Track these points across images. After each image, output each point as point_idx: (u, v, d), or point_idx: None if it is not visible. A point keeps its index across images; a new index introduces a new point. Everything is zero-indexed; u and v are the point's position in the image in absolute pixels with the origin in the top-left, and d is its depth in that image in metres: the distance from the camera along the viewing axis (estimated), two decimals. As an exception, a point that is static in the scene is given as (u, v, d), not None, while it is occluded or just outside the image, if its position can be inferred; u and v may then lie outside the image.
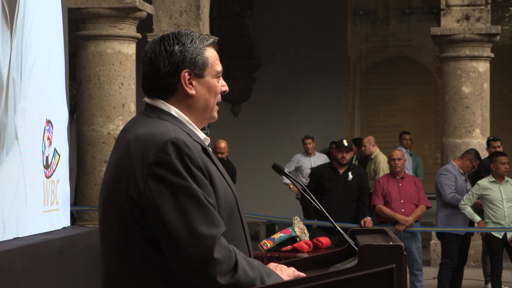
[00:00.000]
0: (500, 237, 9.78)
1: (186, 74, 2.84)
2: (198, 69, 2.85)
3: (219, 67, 2.90)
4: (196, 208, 2.63)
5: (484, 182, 9.85)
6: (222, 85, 2.92)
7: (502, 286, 10.09)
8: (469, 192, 9.85)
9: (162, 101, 2.86)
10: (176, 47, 2.84)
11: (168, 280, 2.68)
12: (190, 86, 2.85)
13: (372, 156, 12.78)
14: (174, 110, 2.85)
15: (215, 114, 2.94)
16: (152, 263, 2.69)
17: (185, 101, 2.86)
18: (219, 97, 2.93)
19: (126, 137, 2.79)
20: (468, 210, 9.73)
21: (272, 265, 2.87)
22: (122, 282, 2.74)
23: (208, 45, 2.89)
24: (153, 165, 2.66)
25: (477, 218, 9.76)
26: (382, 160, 12.56)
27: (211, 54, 2.89)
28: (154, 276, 2.69)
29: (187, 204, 2.63)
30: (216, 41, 2.96)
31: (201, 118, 2.90)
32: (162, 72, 2.84)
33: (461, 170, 10.23)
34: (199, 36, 2.89)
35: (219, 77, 2.91)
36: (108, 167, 2.83)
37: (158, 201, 2.64)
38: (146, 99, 2.91)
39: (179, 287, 2.68)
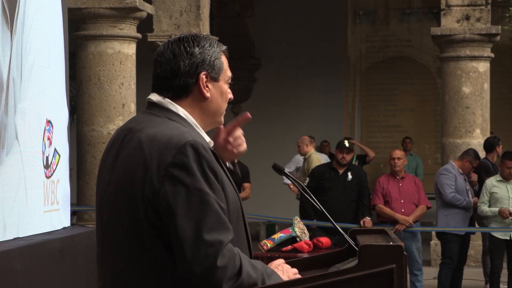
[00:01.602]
0: (502, 238, 9.78)
1: (204, 76, 2.86)
2: (215, 73, 2.88)
3: (230, 73, 2.95)
4: (207, 213, 2.64)
5: (491, 180, 9.88)
6: (229, 92, 2.96)
7: (501, 286, 10.10)
8: (481, 194, 9.88)
9: (170, 101, 2.86)
10: (197, 49, 2.87)
11: (181, 281, 2.69)
12: (207, 88, 2.87)
13: (306, 156, 12.87)
14: (182, 112, 2.86)
15: (222, 120, 2.97)
16: (165, 264, 2.69)
17: (199, 103, 2.88)
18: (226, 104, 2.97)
19: (135, 136, 2.77)
20: (486, 209, 9.75)
21: (275, 264, 2.87)
22: (134, 282, 2.73)
23: (223, 51, 2.93)
24: (170, 166, 2.66)
25: (496, 209, 9.72)
26: (315, 160, 12.66)
27: (224, 59, 2.93)
28: (167, 277, 2.70)
29: (199, 208, 2.64)
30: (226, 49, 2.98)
31: (209, 122, 2.92)
32: (181, 71, 2.85)
33: (461, 170, 10.24)
34: (216, 41, 2.94)
35: (229, 83, 2.95)
36: (114, 166, 2.80)
37: (173, 202, 2.64)
38: (152, 97, 2.90)
39: (191, 287, 2.68)
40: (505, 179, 9.79)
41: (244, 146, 3.05)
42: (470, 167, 10.31)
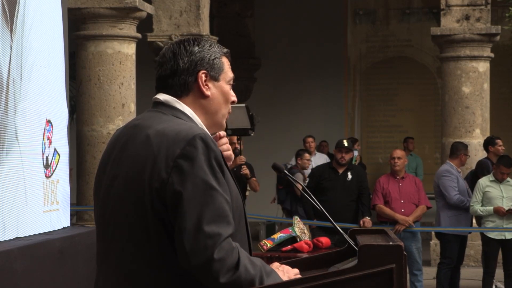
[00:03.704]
0: (496, 238, 9.78)
1: (203, 75, 2.89)
2: (215, 72, 2.91)
3: (231, 74, 2.98)
4: (210, 206, 2.66)
5: (484, 180, 9.86)
6: (232, 95, 2.99)
7: (495, 282, 10.11)
8: (473, 194, 9.86)
9: (176, 100, 2.89)
10: (196, 48, 2.91)
11: (187, 275, 2.70)
12: (207, 87, 2.90)
13: None
14: (188, 110, 2.89)
15: (224, 122, 2.99)
16: (172, 257, 2.71)
17: (200, 102, 2.90)
18: (230, 106, 2.99)
19: (142, 132, 2.80)
20: (480, 208, 9.72)
21: (275, 265, 2.88)
22: (141, 275, 2.74)
23: (224, 54, 2.96)
24: (179, 158, 2.69)
25: (490, 208, 9.71)
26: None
27: (226, 61, 2.97)
28: (173, 270, 2.71)
29: (203, 200, 2.66)
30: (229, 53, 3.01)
31: (211, 123, 2.95)
32: (180, 69, 2.88)
33: (459, 169, 10.26)
34: (218, 44, 2.98)
35: (231, 84, 2.97)
36: (120, 162, 2.81)
37: (178, 192, 2.67)
38: (159, 96, 2.92)
39: (195, 281, 2.69)
40: (498, 180, 9.79)
41: (230, 153, 3.08)
42: (466, 158, 10.41)
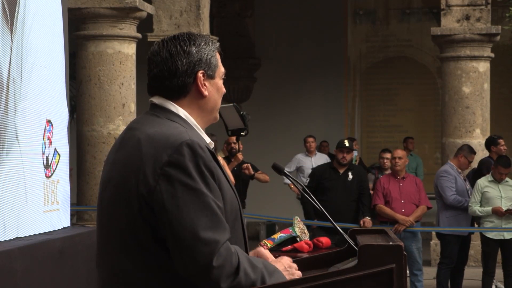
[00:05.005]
0: (495, 238, 9.77)
1: (201, 75, 2.87)
2: (211, 70, 2.90)
3: (223, 68, 2.96)
4: (204, 213, 2.64)
5: (483, 180, 9.85)
6: (223, 87, 2.98)
7: (495, 282, 10.10)
8: (472, 194, 9.85)
9: (171, 102, 2.87)
10: (193, 48, 2.87)
11: (180, 279, 2.69)
12: (205, 87, 2.88)
13: None
14: (182, 112, 2.86)
15: (218, 115, 2.99)
16: (163, 261, 2.69)
17: (197, 102, 2.89)
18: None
19: (135, 136, 2.78)
20: (478, 208, 9.71)
21: (286, 263, 2.87)
22: (133, 280, 2.73)
23: (217, 49, 2.95)
24: (166, 165, 2.66)
25: (488, 208, 9.70)
26: None
27: (218, 56, 2.95)
28: (165, 275, 2.70)
29: (195, 207, 2.64)
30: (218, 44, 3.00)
31: (207, 119, 2.94)
32: (179, 71, 2.85)
33: (459, 170, 10.24)
34: (210, 38, 2.96)
35: (223, 78, 2.96)
36: (114, 165, 2.81)
37: (168, 201, 2.64)
38: (154, 99, 2.90)
39: (188, 285, 2.69)
40: (497, 180, 9.78)
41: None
42: (467, 162, 10.31)
